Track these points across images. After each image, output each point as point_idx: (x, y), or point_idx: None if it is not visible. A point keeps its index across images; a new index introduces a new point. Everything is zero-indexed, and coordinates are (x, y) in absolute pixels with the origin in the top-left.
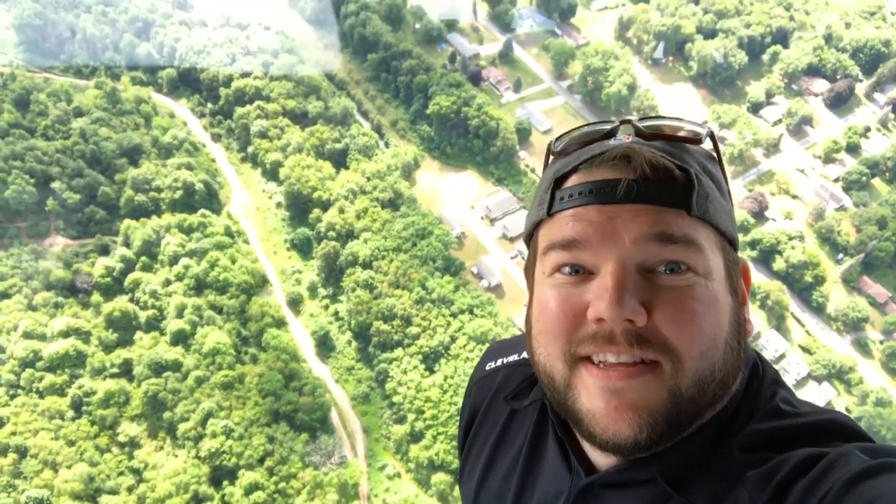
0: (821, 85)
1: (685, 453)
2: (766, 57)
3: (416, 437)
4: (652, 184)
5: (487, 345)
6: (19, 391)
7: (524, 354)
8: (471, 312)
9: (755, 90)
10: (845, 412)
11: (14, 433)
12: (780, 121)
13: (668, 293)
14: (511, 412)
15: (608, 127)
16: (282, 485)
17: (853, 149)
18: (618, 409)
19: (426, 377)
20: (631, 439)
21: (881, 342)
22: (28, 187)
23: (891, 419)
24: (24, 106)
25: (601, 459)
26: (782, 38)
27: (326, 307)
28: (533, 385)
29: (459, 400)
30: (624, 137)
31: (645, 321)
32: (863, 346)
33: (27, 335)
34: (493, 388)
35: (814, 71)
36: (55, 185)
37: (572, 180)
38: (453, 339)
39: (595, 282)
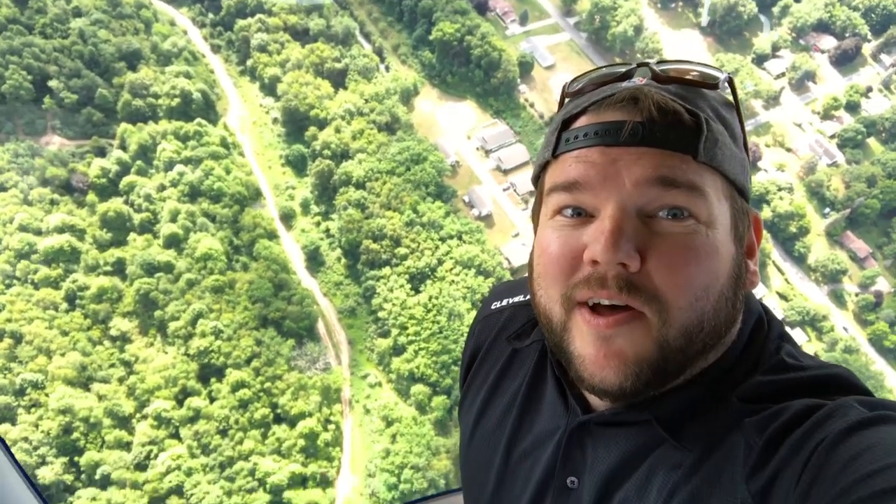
0: (828, 42)
1: (682, 400)
2: (776, 10)
3: (398, 350)
4: (658, 126)
5: (473, 270)
6: (15, 281)
7: (528, 296)
8: (459, 238)
9: (761, 42)
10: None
11: (10, 320)
12: (783, 74)
13: (666, 239)
14: (513, 351)
15: (624, 69)
16: (267, 384)
17: (853, 107)
18: (606, 356)
19: (411, 296)
20: (616, 386)
21: (856, 294)
22: (25, 83)
23: (855, 365)
24: (23, 2)
25: (597, 401)
26: None
27: (318, 224)
28: (535, 326)
29: (442, 319)
30: (638, 80)
31: (638, 266)
32: (838, 298)
33: (23, 228)
34: (497, 327)
35: (823, 27)
36: (52, 83)
37: (579, 122)
38: (440, 262)
39: (594, 224)
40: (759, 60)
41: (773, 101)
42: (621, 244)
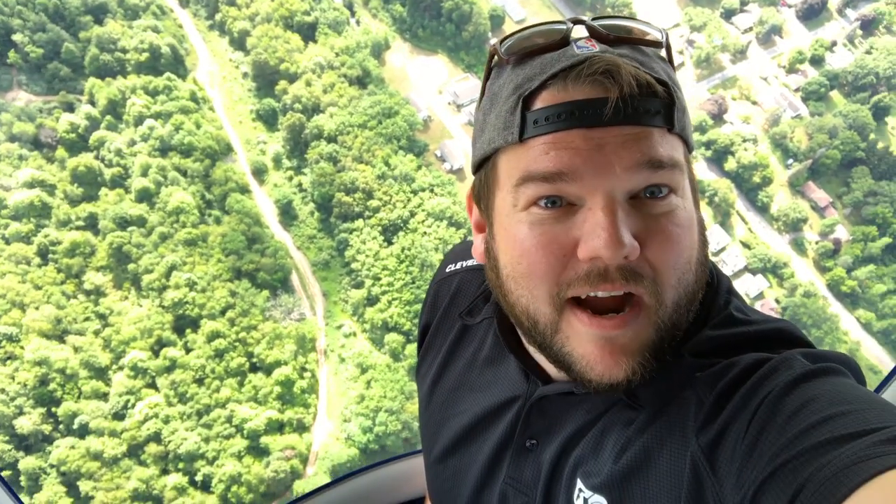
0: None
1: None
2: None
3: (371, 301)
4: (638, 102)
5: (445, 221)
6: None
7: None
8: (431, 191)
9: None
10: (790, 321)
11: None
12: (750, 29)
13: (656, 221)
14: (464, 325)
15: (563, 27)
16: (242, 334)
17: (817, 61)
18: (612, 355)
19: (384, 248)
20: (625, 381)
21: (816, 242)
22: None
23: (812, 308)
24: None
25: (554, 370)
26: None
27: (290, 178)
28: (486, 300)
29: (415, 270)
30: (587, 43)
31: (638, 254)
32: (799, 245)
33: None
34: (451, 293)
35: None
36: (16, 37)
37: (545, 99)
38: (412, 214)
39: (581, 215)
40: (728, 15)
41: (740, 54)
42: (623, 237)
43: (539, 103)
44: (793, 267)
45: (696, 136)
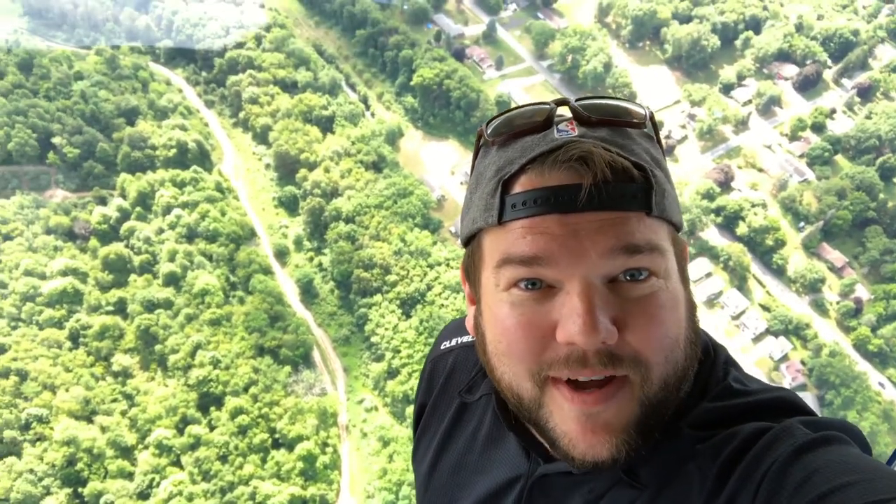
0: (790, 70)
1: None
2: (738, 42)
3: (392, 373)
4: (613, 188)
5: (462, 293)
6: (20, 323)
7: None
8: (447, 265)
9: (727, 73)
10: (791, 389)
11: (15, 359)
12: (749, 101)
13: (635, 304)
14: (463, 402)
15: (546, 109)
16: (265, 410)
17: (819, 128)
18: (594, 433)
19: (403, 321)
20: (610, 459)
21: (837, 302)
22: (30, 141)
23: (839, 366)
24: (28, 69)
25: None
26: (755, 25)
27: (311, 259)
28: (485, 376)
29: (433, 341)
30: (568, 127)
31: (616, 339)
32: (819, 306)
33: (28, 273)
34: (446, 371)
35: (784, 56)
36: (56, 140)
37: (523, 183)
38: (429, 288)
39: (560, 299)
40: (726, 89)
41: (741, 125)
42: (599, 323)
43: (518, 187)
44: (815, 328)
45: (704, 204)
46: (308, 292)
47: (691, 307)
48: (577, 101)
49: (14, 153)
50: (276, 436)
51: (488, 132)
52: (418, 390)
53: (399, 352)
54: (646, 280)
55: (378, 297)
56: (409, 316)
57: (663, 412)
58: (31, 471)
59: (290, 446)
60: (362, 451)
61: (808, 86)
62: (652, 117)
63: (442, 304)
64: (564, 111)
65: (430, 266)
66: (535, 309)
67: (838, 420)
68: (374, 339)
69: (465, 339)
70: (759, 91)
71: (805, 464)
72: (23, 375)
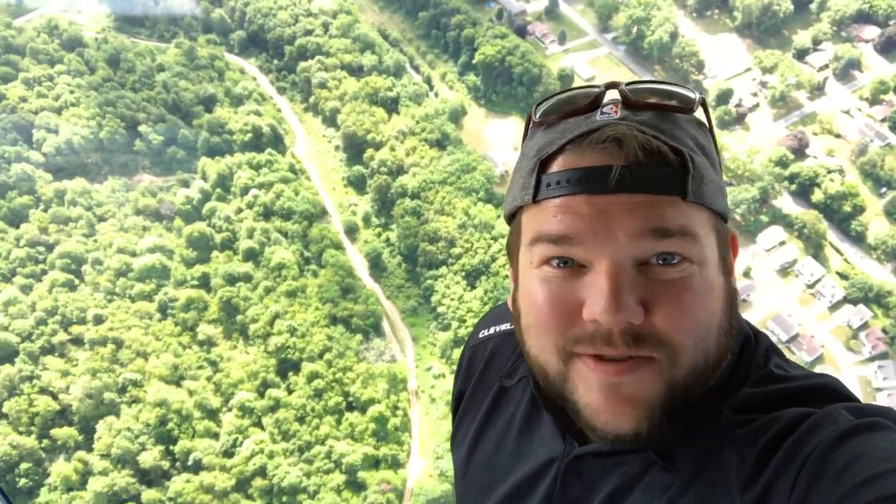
0: (871, 31)
1: (679, 423)
2: (813, 6)
3: (458, 342)
4: (645, 171)
5: None
6: (115, 297)
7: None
8: None
9: (801, 38)
10: (834, 376)
11: (111, 328)
12: (826, 66)
13: (664, 287)
14: (501, 387)
15: (594, 92)
16: (339, 375)
17: None
18: (617, 403)
19: (468, 291)
20: (632, 432)
21: None
22: (120, 129)
23: None
24: (115, 64)
25: None
26: None
27: (379, 234)
28: (524, 361)
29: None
30: (611, 110)
31: (642, 319)
32: None
33: (120, 251)
34: (485, 358)
35: (864, 18)
36: (142, 128)
37: (558, 164)
38: (493, 259)
39: (588, 278)
40: (800, 55)
41: (817, 91)
42: (623, 302)
43: (554, 167)
44: None
45: (777, 171)
46: (377, 266)
47: (731, 297)
48: (627, 84)
49: (106, 141)
50: (350, 399)
51: (536, 114)
52: (456, 378)
53: (465, 321)
54: (678, 264)
55: (443, 270)
56: (473, 287)
57: (692, 397)
58: (129, 429)
59: (363, 409)
60: (431, 415)
61: (891, 47)
62: (703, 103)
63: (506, 275)
64: (615, 94)
65: (494, 238)
66: (563, 286)
67: (882, 407)
68: (440, 309)
69: (504, 326)
70: (837, 55)
71: (847, 450)
72: (118, 343)
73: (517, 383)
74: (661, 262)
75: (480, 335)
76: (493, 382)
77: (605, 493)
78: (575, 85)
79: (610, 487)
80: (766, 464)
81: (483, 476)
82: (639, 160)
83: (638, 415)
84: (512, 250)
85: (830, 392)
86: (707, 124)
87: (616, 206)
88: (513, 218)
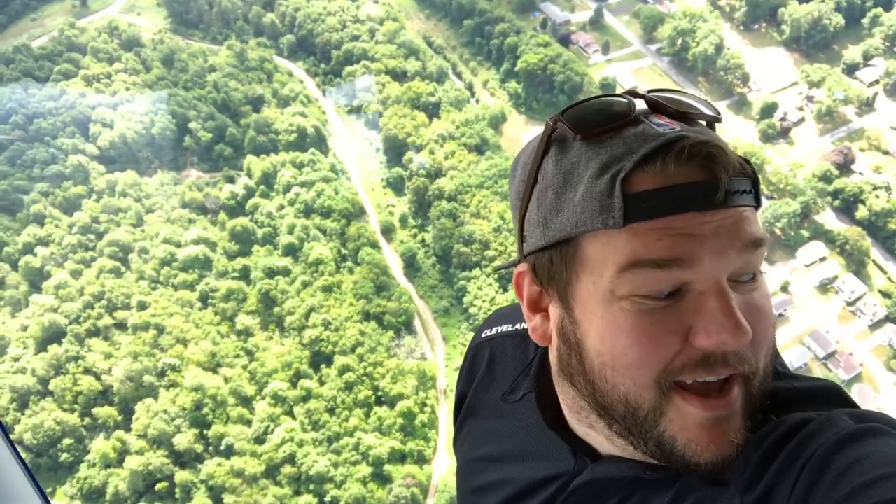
0: None
1: None
2: (865, 21)
3: None
4: (738, 183)
5: None
6: (158, 285)
7: (517, 325)
8: None
9: (852, 53)
10: (835, 382)
11: (154, 315)
12: (876, 81)
13: (752, 300)
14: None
15: (626, 101)
16: (369, 369)
17: None
18: (724, 435)
19: (500, 294)
20: (726, 459)
21: None
22: (170, 126)
23: None
24: (169, 64)
25: (603, 444)
26: (886, 2)
27: (415, 235)
28: (526, 377)
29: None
30: (662, 120)
31: (751, 338)
32: None
33: (166, 241)
34: (486, 359)
35: None
36: (191, 125)
37: (645, 181)
38: None
39: (690, 301)
40: (850, 70)
41: (866, 106)
42: (744, 323)
43: (639, 185)
44: None
45: (820, 186)
46: (411, 266)
47: None
48: (655, 94)
49: (157, 136)
50: (379, 393)
51: (570, 125)
52: (459, 379)
53: None
54: (756, 278)
55: (477, 272)
56: (506, 290)
57: (764, 403)
58: (166, 411)
59: (392, 404)
60: None
61: None
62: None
63: None
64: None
65: None
66: (667, 316)
67: (884, 414)
68: (471, 310)
69: (505, 328)
70: (888, 70)
71: (847, 454)
72: (160, 329)
73: (521, 399)
74: (748, 277)
75: (483, 335)
76: (495, 391)
77: (609, 497)
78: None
79: (614, 491)
80: (768, 467)
81: (483, 480)
82: (729, 173)
83: (735, 442)
84: (552, 278)
85: (834, 396)
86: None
87: (724, 222)
88: (555, 245)
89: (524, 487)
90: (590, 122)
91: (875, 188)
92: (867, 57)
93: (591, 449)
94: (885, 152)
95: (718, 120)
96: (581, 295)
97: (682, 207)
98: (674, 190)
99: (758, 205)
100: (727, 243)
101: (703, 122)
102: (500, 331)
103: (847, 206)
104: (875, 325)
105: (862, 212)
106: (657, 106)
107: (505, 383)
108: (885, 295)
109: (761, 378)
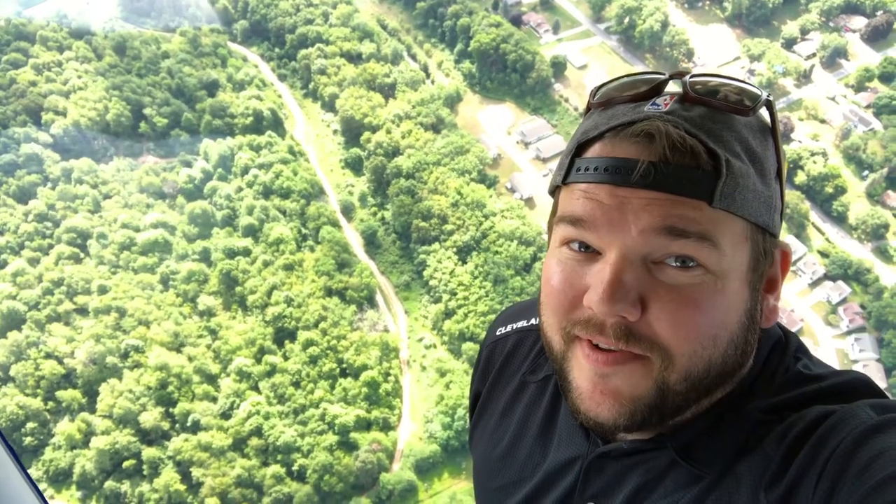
0: (858, 21)
1: (699, 428)
2: None
3: (449, 313)
4: (671, 169)
5: (515, 241)
6: (119, 269)
7: (532, 321)
8: (502, 215)
9: (790, 28)
10: (863, 372)
11: (115, 298)
12: (813, 55)
13: (670, 290)
14: (522, 382)
15: (656, 79)
16: (333, 343)
17: (888, 78)
18: (602, 393)
19: (459, 266)
20: (610, 422)
21: None
22: (125, 112)
23: None
24: (122, 52)
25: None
26: None
27: (374, 213)
28: (547, 359)
29: (488, 284)
30: (663, 102)
31: (637, 317)
32: (882, 252)
33: (125, 226)
34: (505, 353)
35: (852, 9)
36: (146, 111)
37: (593, 150)
38: (484, 235)
39: (597, 265)
40: (788, 44)
41: (803, 78)
42: (618, 297)
43: (589, 153)
44: (877, 272)
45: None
46: (372, 243)
47: (751, 313)
48: (692, 76)
49: (112, 123)
50: (343, 365)
51: (595, 95)
52: (474, 377)
53: (455, 294)
54: (692, 269)
55: (436, 245)
56: (464, 262)
57: (683, 403)
58: (131, 391)
59: (356, 375)
60: (422, 382)
61: (878, 37)
62: (770, 105)
63: (496, 251)
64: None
65: (486, 216)
66: (576, 269)
67: None
68: (432, 282)
69: (520, 324)
70: (824, 44)
71: (870, 447)
72: (122, 312)
73: (540, 381)
74: (677, 264)
75: (498, 333)
76: (513, 378)
77: (628, 490)
78: (635, 70)
79: (633, 485)
80: (791, 462)
81: (502, 476)
82: (667, 158)
83: (619, 408)
84: (549, 226)
85: (859, 388)
86: (772, 128)
87: (635, 200)
88: (553, 195)
89: (546, 478)
90: (606, 93)
91: (812, 154)
92: (804, 31)
93: (605, 427)
94: (822, 121)
95: (739, 110)
96: (549, 240)
97: (604, 178)
98: (604, 161)
99: (708, 200)
100: (630, 220)
101: (728, 110)
102: (514, 327)
103: (787, 171)
104: (814, 283)
105: (801, 177)
106: (683, 87)
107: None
108: (823, 255)
109: (678, 376)
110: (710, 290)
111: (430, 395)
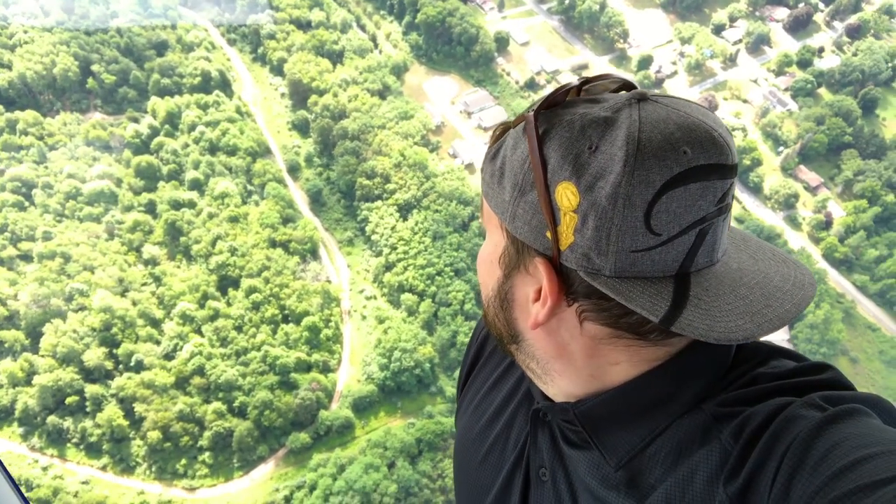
0: (782, 12)
1: (632, 436)
2: None
3: (389, 266)
4: (486, 162)
5: (455, 200)
6: (64, 218)
7: None
8: (443, 177)
9: (720, 15)
10: (830, 363)
11: (60, 245)
12: (739, 40)
13: None
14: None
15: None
16: (276, 290)
17: (805, 64)
18: None
19: (400, 222)
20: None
21: (809, 217)
22: (73, 67)
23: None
24: (70, 11)
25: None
26: None
27: (320, 174)
28: None
29: (427, 240)
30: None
31: None
32: (793, 221)
33: (70, 176)
34: None
35: (777, 1)
36: (94, 67)
37: None
38: (425, 195)
39: None
40: (717, 30)
41: (730, 62)
42: None
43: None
44: (786, 237)
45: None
46: (317, 201)
47: (500, 291)
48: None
49: (59, 78)
50: (286, 311)
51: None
52: (467, 353)
53: (395, 248)
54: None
55: (378, 203)
56: (405, 219)
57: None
58: (75, 331)
59: (298, 321)
60: (362, 331)
61: (799, 27)
62: (535, 116)
63: (437, 210)
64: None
65: (427, 177)
66: None
67: (864, 393)
68: (373, 237)
69: None
70: (749, 31)
71: (825, 438)
72: (66, 257)
73: None
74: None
75: None
76: (503, 358)
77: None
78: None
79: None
80: (749, 455)
81: (480, 442)
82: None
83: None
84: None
85: (819, 381)
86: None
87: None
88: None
89: (517, 445)
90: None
91: (733, 129)
92: (732, 19)
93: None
94: (745, 101)
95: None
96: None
97: None
98: None
99: (489, 195)
100: None
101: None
102: None
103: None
104: None
105: None
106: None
107: None
108: (739, 221)
109: (485, 305)
110: (486, 249)
111: (369, 342)
